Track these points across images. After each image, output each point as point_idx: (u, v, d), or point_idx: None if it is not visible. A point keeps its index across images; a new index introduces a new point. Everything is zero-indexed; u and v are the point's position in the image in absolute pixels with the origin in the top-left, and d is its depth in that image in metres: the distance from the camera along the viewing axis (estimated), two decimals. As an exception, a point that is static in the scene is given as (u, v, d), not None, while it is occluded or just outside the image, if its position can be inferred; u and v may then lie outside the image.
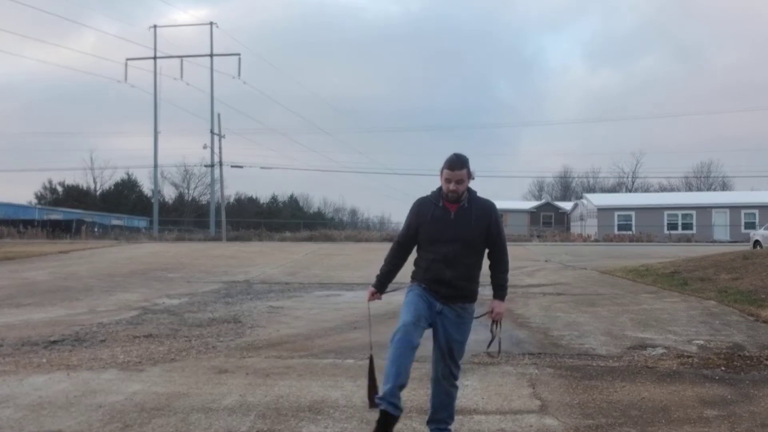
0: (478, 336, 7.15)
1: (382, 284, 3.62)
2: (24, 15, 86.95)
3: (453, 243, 3.39)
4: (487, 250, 3.55)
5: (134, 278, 14.07)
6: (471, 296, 3.50)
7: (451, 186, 3.41)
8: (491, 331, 3.67)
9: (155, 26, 45.03)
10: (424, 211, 3.51)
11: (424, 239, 3.51)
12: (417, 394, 4.53)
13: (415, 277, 3.56)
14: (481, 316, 3.66)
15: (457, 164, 3.43)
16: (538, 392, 4.78)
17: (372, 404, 3.34)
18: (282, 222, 51.79)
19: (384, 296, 3.74)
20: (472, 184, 3.55)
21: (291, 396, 4.66)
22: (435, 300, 3.44)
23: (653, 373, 5.32)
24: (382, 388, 3.28)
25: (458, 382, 3.58)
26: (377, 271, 3.69)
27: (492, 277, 3.61)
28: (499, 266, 3.57)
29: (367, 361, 3.67)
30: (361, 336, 7.00)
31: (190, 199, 66.15)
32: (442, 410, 3.51)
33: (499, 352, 4.11)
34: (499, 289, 3.59)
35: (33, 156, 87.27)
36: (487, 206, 3.52)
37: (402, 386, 3.27)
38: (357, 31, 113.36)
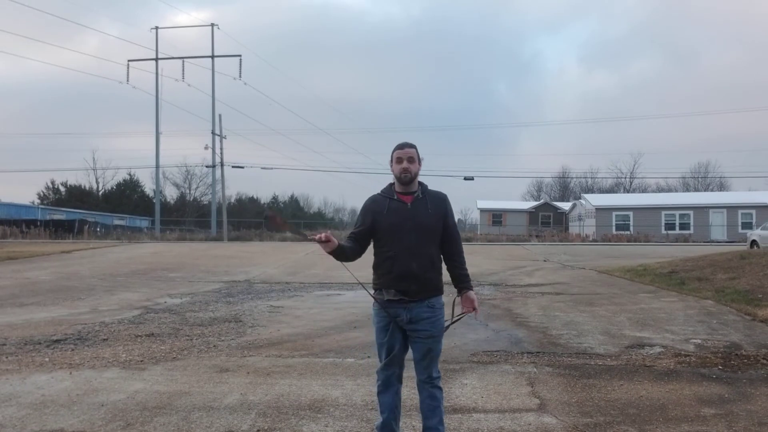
0: (477, 335, 7.24)
1: (340, 245, 3.39)
2: (27, 17, 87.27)
3: (413, 232, 3.30)
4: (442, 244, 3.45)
5: (136, 278, 14.11)
6: (439, 289, 3.39)
7: (403, 164, 3.32)
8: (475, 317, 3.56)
9: (157, 28, 44.87)
10: (377, 207, 3.39)
11: (383, 233, 3.38)
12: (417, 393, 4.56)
13: (378, 284, 3.40)
14: (461, 316, 3.42)
15: (406, 144, 3.42)
16: (536, 391, 4.81)
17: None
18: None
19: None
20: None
21: (291, 395, 4.69)
22: (401, 309, 3.32)
23: (651, 372, 5.36)
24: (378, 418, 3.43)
25: (441, 383, 3.48)
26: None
27: (453, 269, 3.44)
28: (459, 258, 3.44)
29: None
30: (361, 335, 7.04)
31: (191, 200, 66.21)
32: (431, 416, 3.41)
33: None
34: (466, 279, 3.42)
35: (36, 156, 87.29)
36: (441, 197, 3.46)
37: (396, 419, 3.43)
38: (359, 34, 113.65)
